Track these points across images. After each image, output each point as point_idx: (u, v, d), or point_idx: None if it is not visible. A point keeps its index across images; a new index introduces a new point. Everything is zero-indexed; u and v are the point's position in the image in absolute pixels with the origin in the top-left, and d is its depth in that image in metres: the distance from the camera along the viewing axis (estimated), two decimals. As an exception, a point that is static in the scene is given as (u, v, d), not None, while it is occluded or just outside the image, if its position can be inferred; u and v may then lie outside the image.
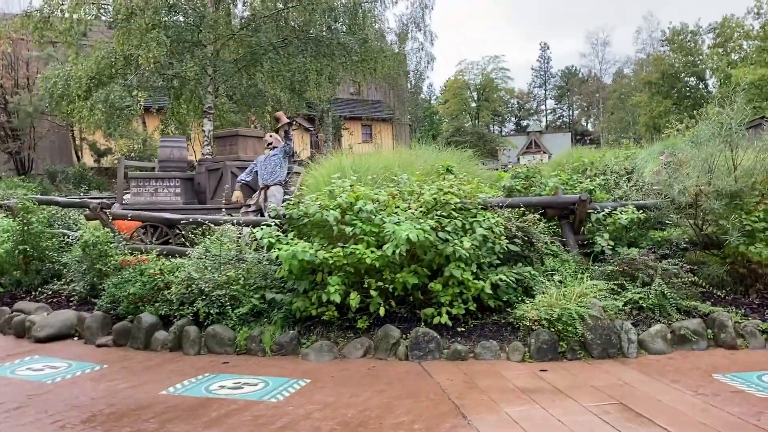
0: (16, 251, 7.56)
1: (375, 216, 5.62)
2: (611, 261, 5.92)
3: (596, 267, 6.04)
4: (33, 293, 7.42)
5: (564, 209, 6.56)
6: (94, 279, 6.76)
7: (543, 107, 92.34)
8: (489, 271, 5.83)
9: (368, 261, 5.34)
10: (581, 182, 6.82)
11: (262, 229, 5.85)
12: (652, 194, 6.76)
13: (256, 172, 8.84)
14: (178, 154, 11.45)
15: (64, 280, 7.25)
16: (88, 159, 28.76)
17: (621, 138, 34.59)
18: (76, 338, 6.39)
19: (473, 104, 71.82)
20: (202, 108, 15.20)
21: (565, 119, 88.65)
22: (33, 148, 26.79)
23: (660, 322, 5.47)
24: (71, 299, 6.94)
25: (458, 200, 5.79)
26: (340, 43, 13.62)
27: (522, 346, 5.22)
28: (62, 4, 13.99)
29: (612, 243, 6.11)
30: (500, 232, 5.84)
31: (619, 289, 5.67)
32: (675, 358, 5.15)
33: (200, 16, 14.19)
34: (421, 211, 5.79)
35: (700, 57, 47.22)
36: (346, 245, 5.52)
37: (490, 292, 5.56)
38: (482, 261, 5.79)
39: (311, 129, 33.56)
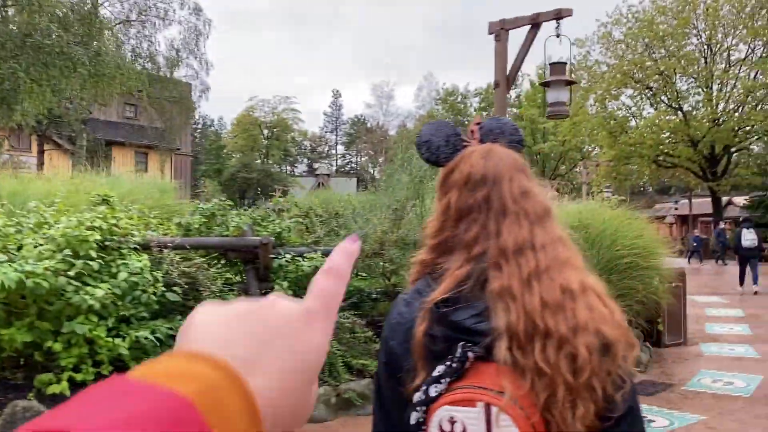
0: None
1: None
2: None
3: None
4: None
5: (248, 253, 5.82)
6: None
7: (334, 152, 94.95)
8: (138, 325, 4.83)
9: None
10: (275, 222, 6.19)
11: None
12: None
13: None
14: None
15: None
16: None
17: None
18: None
19: (264, 141, 71.07)
20: None
21: (353, 164, 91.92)
22: None
23: (328, 384, 4.90)
24: None
25: (100, 237, 4.73)
26: (64, 52, 11.88)
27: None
28: None
29: (290, 292, 5.48)
30: (155, 277, 4.89)
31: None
32: (332, 427, 4.58)
33: None
34: (51, 250, 4.62)
35: (468, 117, 51.89)
36: None
37: (127, 352, 4.55)
38: (128, 313, 4.77)
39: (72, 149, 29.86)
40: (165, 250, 5.31)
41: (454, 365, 1.01)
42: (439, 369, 1.01)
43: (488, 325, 1.02)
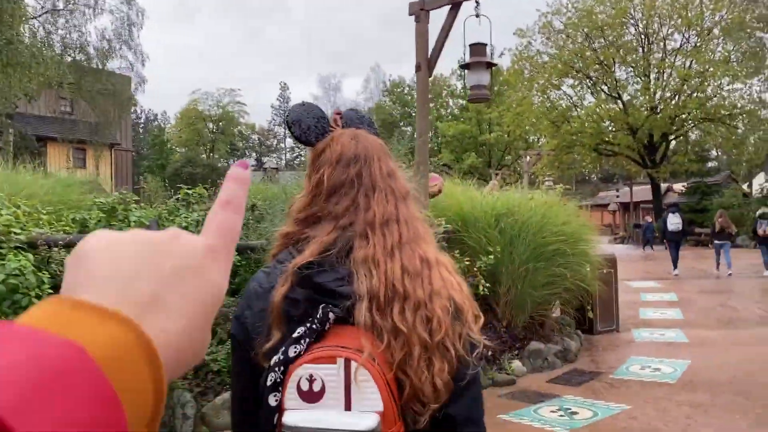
0: None
1: None
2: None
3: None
4: None
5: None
6: None
7: (283, 145, 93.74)
8: (21, 332, 4.37)
9: None
10: (182, 216, 5.78)
11: None
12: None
13: None
14: None
15: None
16: None
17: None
18: None
19: (210, 135, 69.46)
20: None
21: (303, 158, 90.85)
22: None
23: (235, 388, 4.55)
24: None
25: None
26: (-31, 41, 11.06)
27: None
28: None
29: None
30: (41, 279, 4.44)
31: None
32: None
33: None
34: None
35: (414, 109, 51.80)
36: None
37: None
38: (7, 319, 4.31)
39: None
40: (54, 249, 4.86)
41: (314, 326, 1.03)
42: (299, 330, 1.02)
43: (350, 288, 1.06)
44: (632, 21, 29.85)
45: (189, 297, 0.37)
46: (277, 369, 1.00)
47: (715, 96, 29.01)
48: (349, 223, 1.13)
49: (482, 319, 1.15)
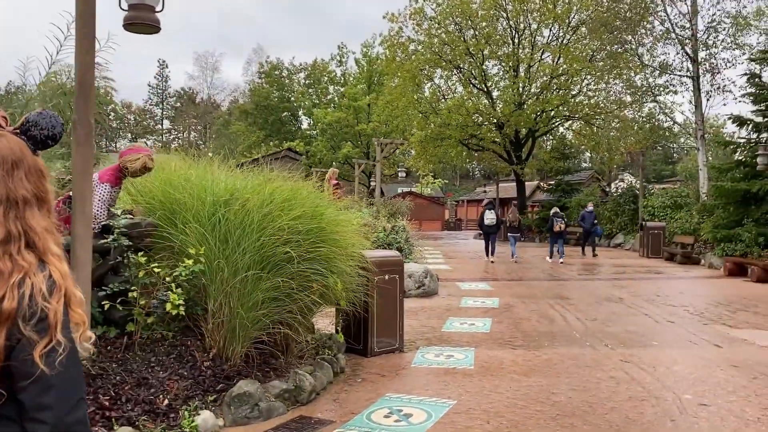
0: None
1: None
2: None
3: None
4: None
5: None
6: None
7: (160, 126, 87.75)
8: None
9: None
10: None
11: None
12: None
13: None
14: None
15: None
16: None
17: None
18: None
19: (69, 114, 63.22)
20: None
21: (180, 140, 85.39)
22: None
23: None
24: None
25: None
26: None
27: None
28: None
29: None
30: None
31: None
32: None
33: None
34: None
35: (293, 93, 49.48)
36: None
37: None
38: None
39: None
40: None
41: None
42: None
43: None
44: (504, 14, 29.27)
45: None
46: None
47: (580, 94, 29.07)
48: None
49: (84, 328, 1.31)
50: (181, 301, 4.56)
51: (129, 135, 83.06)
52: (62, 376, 1.19)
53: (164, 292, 4.77)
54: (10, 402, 1.17)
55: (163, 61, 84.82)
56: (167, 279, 4.62)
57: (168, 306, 4.56)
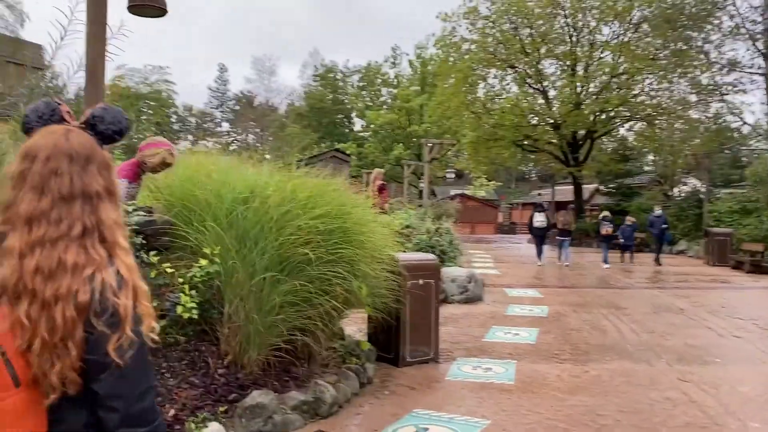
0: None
1: None
2: None
3: None
4: None
5: None
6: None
7: (220, 128, 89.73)
8: None
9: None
10: None
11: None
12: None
13: None
14: None
15: None
16: None
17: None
18: None
19: (139, 116, 65.28)
20: None
21: (238, 142, 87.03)
22: None
23: None
24: None
25: None
26: None
27: None
28: None
29: None
30: None
31: None
32: None
33: None
34: None
35: (347, 96, 49.58)
36: None
37: None
38: None
39: None
40: None
41: None
42: None
43: None
44: (562, 12, 28.30)
45: None
46: None
47: (642, 94, 27.80)
48: (8, 216, 1.25)
49: (150, 319, 1.31)
50: (193, 305, 4.29)
51: (190, 137, 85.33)
52: (133, 367, 1.25)
53: (178, 293, 4.52)
54: (84, 390, 1.24)
55: (223, 65, 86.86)
56: (180, 280, 4.36)
57: (179, 309, 4.30)
